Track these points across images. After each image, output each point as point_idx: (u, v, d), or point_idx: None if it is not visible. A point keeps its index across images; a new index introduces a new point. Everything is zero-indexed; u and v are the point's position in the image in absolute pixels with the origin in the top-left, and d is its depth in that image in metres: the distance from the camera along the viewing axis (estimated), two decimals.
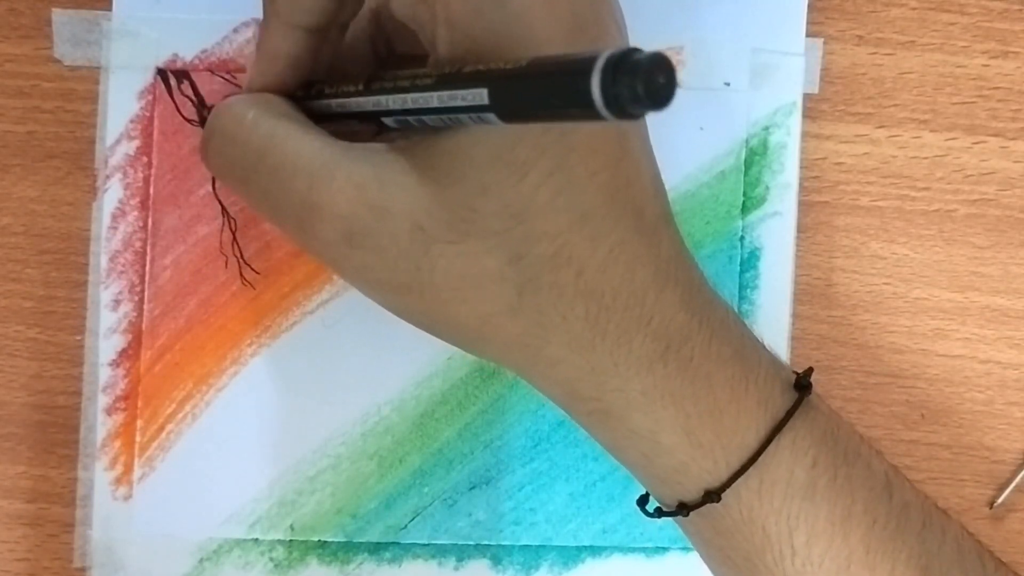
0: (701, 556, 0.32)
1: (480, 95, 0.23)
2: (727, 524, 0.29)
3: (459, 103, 0.24)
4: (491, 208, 0.26)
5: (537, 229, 0.26)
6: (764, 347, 0.30)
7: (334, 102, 0.30)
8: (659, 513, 0.31)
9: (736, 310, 0.30)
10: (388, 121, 0.28)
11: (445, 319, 0.28)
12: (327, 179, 0.27)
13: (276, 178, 0.28)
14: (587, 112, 0.20)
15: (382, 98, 0.27)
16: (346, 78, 0.30)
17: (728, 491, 0.29)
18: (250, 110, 0.29)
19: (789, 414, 0.29)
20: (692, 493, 0.29)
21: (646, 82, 0.20)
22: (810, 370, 0.30)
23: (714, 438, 0.29)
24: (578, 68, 0.20)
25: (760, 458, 0.28)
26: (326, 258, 0.29)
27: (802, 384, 0.30)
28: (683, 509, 0.30)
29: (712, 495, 0.29)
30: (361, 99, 0.29)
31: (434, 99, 0.25)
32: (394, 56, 0.33)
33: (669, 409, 0.28)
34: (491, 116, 0.24)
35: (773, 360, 0.30)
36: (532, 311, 0.27)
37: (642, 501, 0.32)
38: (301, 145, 0.28)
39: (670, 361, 0.28)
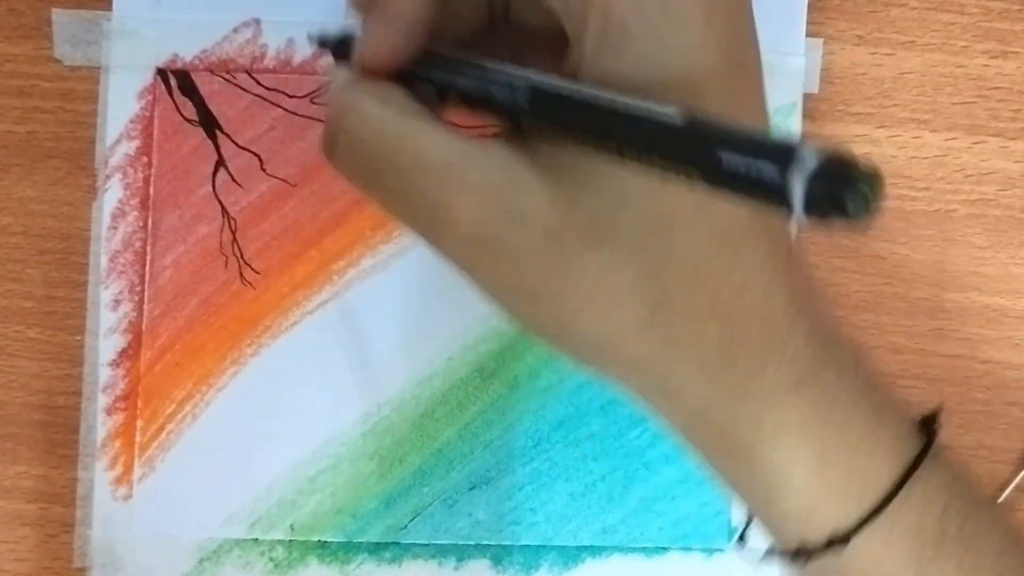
0: None
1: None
2: (851, 570, 0.28)
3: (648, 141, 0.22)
4: (630, 219, 0.25)
5: (676, 245, 0.25)
6: (892, 387, 0.29)
7: (457, 90, 0.27)
8: (774, 555, 0.29)
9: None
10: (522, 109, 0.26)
11: (571, 331, 0.27)
12: (459, 180, 0.26)
13: (407, 178, 0.26)
14: (780, 208, 0.19)
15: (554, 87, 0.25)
16: (471, 54, 0.27)
17: (855, 537, 0.27)
18: (375, 107, 0.27)
19: (920, 456, 0.27)
20: (816, 534, 0.28)
21: (856, 195, 0.18)
22: (939, 411, 0.29)
23: (846, 480, 0.27)
24: (773, 161, 0.19)
25: (892, 503, 0.27)
26: (455, 260, 0.27)
27: (931, 424, 0.28)
28: (803, 554, 0.28)
29: (838, 541, 0.27)
30: (496, 87, 0.26)
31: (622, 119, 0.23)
32: (506, 23, 0.31)
33: (802, 445, 0.27)
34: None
35: (900, 399, 0.29)
36: (663, 330, 0.26)
37: (741, 536, 0.31)
38: (432, 144, 0.26)
39: (804, 394, 0.26)
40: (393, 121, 0.27)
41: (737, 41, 0.25)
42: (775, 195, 0.19)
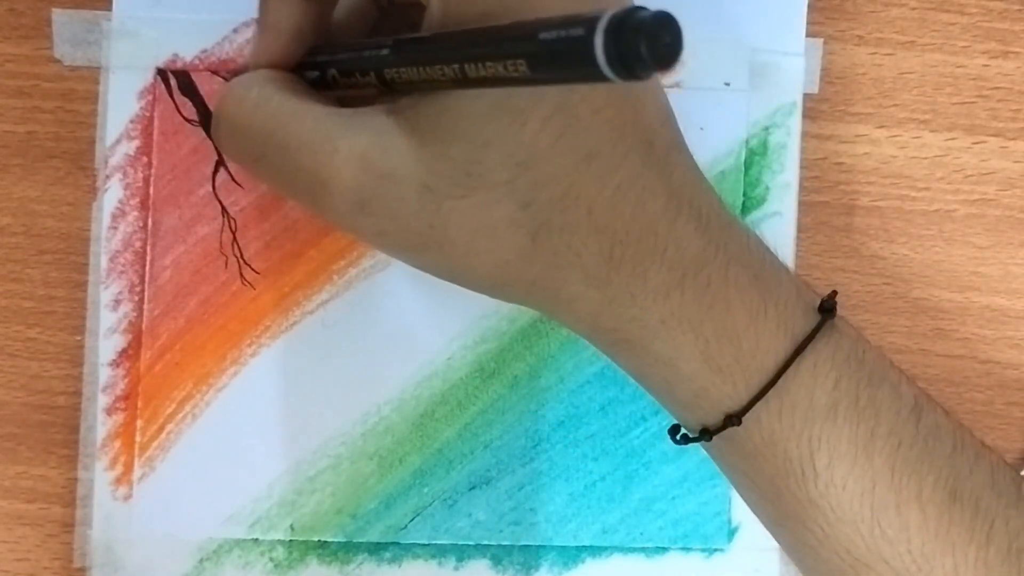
0: (731, 482, 0.33)
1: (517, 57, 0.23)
2: (749, 448, 0.30)
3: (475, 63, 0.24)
4: (495, 159, 0.26)
5: (543, 173, 0.27)
6: (787, 272, 0.30)
7: (334, 67, 0.30)
8: (685, 440, 0.31)
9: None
10: (390, 77, 0.28)
11: (464, 270, 0.29)
12: (330, 152, 0.27)
13: (284, 156, 0.28)
14: (592, 72, 0.20)
15: (384, 55, 0.27)
16: (345, 38, 0.29)
17: (748, 415, 0.29)
18: (251, 91, 0.29)
19: (809, 337, 0.29)
20: (713, 418, 0.30)
21: (651, 42, 0.20)
22: (834, 293, 0.30)
23: (733, 362, 0.29)
24: (581, 27, 0.20)
25: (780, 381, 0.29)
26: (343, 227, 0.29)
27: (825, 308, 0.30)
28: (705, 434, 0.30)
29: (732, 419, 0.29)
30: (363, 55, 0.28)
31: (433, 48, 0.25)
32: (394, 12, 0.33)
33: (688, 335, 0.29)
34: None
35: (796, 285, 0.30)
36: (547, 253, 0.28)
37: (673, 431, 0.32)
38: (303, 121, 0.28)
39: (687, 289, 0.28)
40: (269, 104, 0.29)
41: None
42: (586, 60, 0.20)
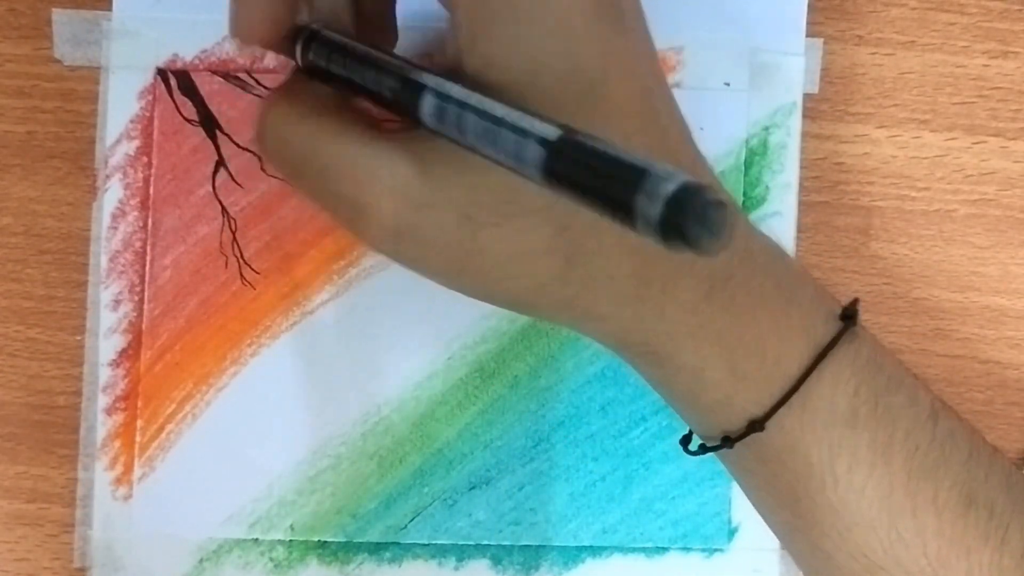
0: (745, 489, 0.33)
1: (527, 149, 0.22)
2: (770, 453, 0.30)
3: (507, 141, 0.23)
4: (530, 188, 0.26)
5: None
6: (809, 280, 0.31)
7: (372, 94, 0.29)
8: (703, 449, 0.32)
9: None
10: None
11: (499, 293, 0.29)
12: (370, 180, 0.27)
13: (324, 180, 0.28)
14: (623, 219, 0.20)
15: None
16: (379, 56, 0.29)
17: (771, 420, 0.29)
18: (291, 111, 0.29)
19: (831, 344, 0.29)
20: (736, 424, 0.30)
21: (705, 227, 0.19)
22: (856, 301, 0.30)
23: (757, 370, 0.29)
24: (638, 187, 0.19)
25: (802, 387, 0.29)
26: (381, 251, 0.29)
27: (847, 315, 0.30)
28: (727, 441, 0.30)
29: (755, 424, 0.29)
30: (382, 90, 0.28)
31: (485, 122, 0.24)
32: None
33: (714, 347, 0.29)
34: (533, 174, 0.23)
35: (818, 292, 0.31)
36: (581, 276, 0.28)
37: (684, 441, 0.32)
38: (344, 146, 0.28)
39: (714, 301, 0.29)
40: (307, 125, 0.28)
41: (612, 13, 0.27)
42: (624, 211, 0.20)
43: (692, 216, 0.19)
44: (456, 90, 0.25)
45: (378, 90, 0.28)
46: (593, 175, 0.21)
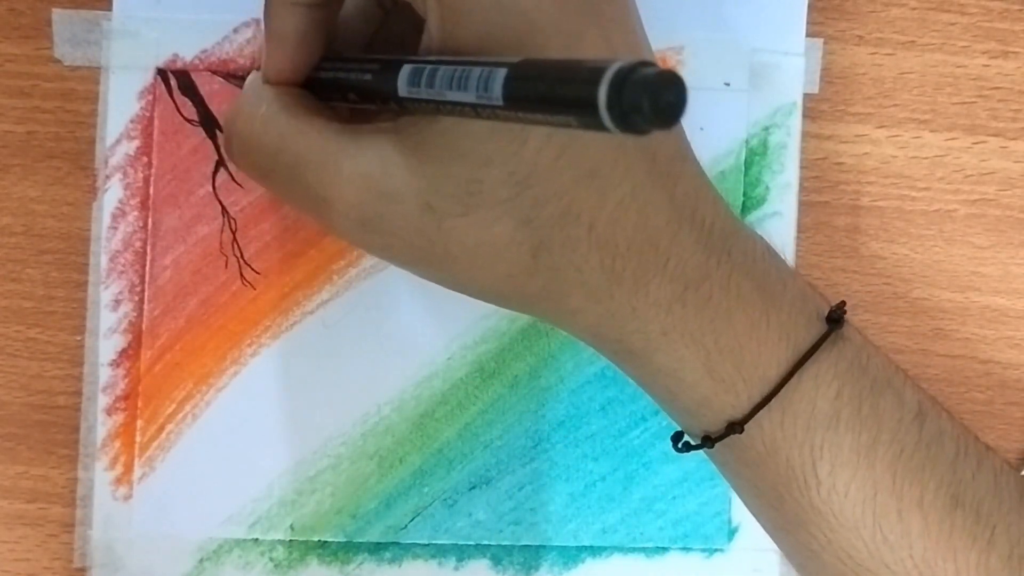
0: (733, 488, 0.33)
1: (495, 78, 0.23)
2: (752, 455, 0.30)
3: (471, 87, 0.24)
4: (496, 177, 0.27)
5: (543, 191, 0.27)
6: (793, 279, 0.31)
7: (341, 90, 0.30)
8: (687, 448, 0.32)
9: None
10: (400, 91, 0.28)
11: (467, 283, 0.29)
12: (335, 172, 0.28)
13: (291, 174, 0.29)
14: (592, 122, 0.20)
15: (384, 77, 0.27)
16: (351, 40, 0.30)
17: (751, 423, 0.29)
18: (259, 108, 0.30)
19: (813, 348, 0.29)
20: (716, 425, 0.30)
21: (654, 98, 0.20)
22: (842, 304, 0.30)
23: (735, 372, 0.29)
24: (586, 77, 0.20)
25: (782, 391, 0.29)
26: (348, 240, 0.30)
27: (832, 319, 0.30)
28: (708, 441, 0.30)
29: (734, 427, 0.29)
30: (363, 77, 0.29)
31: (443, 73, 0.25)
32: (398, 12, 0.33)
33: (689, 347, 0.29)
34: (497, 100, 0.23)
35: (802, 292, 0.30)
36: (548, 269, 0.28)
37: (675, 439, 0.33)
38: (310, 140, 0.29)
39: (688, 301, 0.29)
40: (277, 122, 0.29)
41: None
42: (587, 110, 0.20)
43: (645, 86, 0.19)
44: (431, 59, 0.26)
45: (360, 78, 0.29)
46: (555, 83, 0.21)
